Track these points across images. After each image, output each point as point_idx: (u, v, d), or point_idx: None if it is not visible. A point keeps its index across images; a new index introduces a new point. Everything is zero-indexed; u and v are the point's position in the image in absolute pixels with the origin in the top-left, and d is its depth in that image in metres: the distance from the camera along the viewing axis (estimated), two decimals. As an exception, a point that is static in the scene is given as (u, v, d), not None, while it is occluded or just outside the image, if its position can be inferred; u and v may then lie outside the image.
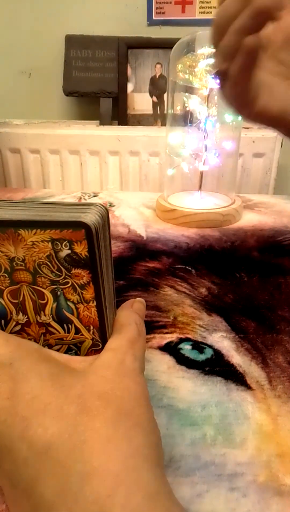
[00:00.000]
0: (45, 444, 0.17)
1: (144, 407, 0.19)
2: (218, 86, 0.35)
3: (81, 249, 0.19)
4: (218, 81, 0.35)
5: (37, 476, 0.16)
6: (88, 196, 0.76)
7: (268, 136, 1.10)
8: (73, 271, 0.20)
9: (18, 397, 0.18)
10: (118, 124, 1.22)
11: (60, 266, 0.20)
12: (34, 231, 0.19)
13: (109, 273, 0.23)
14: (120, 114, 1.21)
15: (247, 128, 1.11)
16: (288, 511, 0.21)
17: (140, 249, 0.52)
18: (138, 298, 0.27)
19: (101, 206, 0.21)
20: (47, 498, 0.16)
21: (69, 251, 0.19)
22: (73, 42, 1.19)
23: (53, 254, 0.20)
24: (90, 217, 0.19)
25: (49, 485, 0.16)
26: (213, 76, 0.35)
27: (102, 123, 1.22)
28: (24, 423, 0.17)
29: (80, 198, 0.76)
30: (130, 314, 0.24)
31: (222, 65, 0.33)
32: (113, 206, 0.70)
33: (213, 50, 0.34)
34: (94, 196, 0.77)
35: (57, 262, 0.20)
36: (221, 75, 0.34)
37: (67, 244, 0.19)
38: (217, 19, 0.32)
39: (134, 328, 0.23)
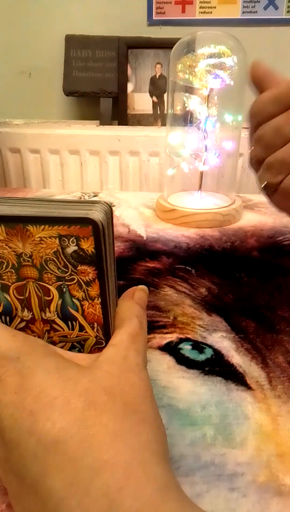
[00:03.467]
0: (54, 438, 0.17)
1: (149, 403, 0.20)
2: (266, 197, 0.35)
3: (88, 246, 0.19)
4: (265, 192, 0.34)
5: (46, 470, 0.16)
6: (88, 196, 0.76)
7: (268, 136, 1.10)
8: (79, 268, 0.20)
9: (26, 391, 0.18)
10: (118, 124, 1.22)
11: (67, 263, 0.20)
12: (42, 227, 0.19)
13: (112, 270, 0.23)
14: (120, 114, 1.21)
15: (247, 128, 1.11)
16: (288, 511, 0.21)
17: (140, 249, 0.52)
18: (140, 286, 0.26)
19: (105, 204, 0.21)
20: (57, 491, 0.16)
21: (76, 248, 0.20)
22: (73, 42, 1.19)
23: (60, 250, 0.20)
24: (97, 214, 0.19)
25: (58, 479, 0.16)
26: (262, 189, 0.34)
27: (102, 123, 1.22)
28: (32, 418, 0.17)
29: (80, 198, 0.76)
30: (131, 306, 0.24)
31: (274, 180, 0.32)
32: (113, 206, 0.70)
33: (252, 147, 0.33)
34: (94, 196, 0.77)
35: (63, 258, 0.20)
36: (271, 188, 0.33)
37: (74, 240, 0.19)
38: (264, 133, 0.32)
39: (136, 322, 0.23)
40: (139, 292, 0.25)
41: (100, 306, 0.21)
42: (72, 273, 0.20)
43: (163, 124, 1.21)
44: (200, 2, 1.18)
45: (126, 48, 1.17)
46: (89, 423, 0.17)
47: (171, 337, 0.34)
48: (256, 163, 0.34)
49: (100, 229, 0.19)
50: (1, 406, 0.18)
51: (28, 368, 0.19)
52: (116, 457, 0.16)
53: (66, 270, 0.20)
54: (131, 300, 0.24)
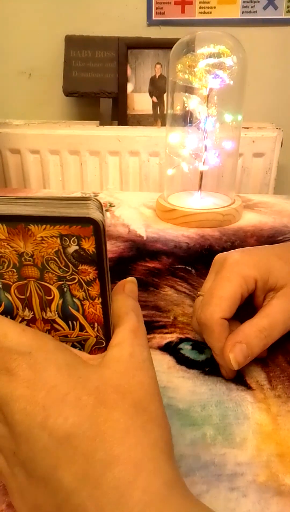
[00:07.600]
0: (66, 433, 0.17)
1: (157, 402, 0.20)
2: None
3: (89, 245, 0.19)
4: None
5: (57, 464, 0.17)
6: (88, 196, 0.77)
7: (268, 136, 1.10)
8: (80, 267, 0.20)
9: (37, 386, 0.18)
10: (118, 124, 1.22)
11: (68, 262, 0.20)
12: (43, 226, 0.19)
13: (108, 270, 0.23)
14: (120, 114, 1.21)
15: (247, 128, 1.11)
16: (288, 511, 0.21)
17: (140, 249, 0.52)
18: (129, 278, 0.26)
19: (96, 200, 0.21)
20: (67, 484, 0.17)
21: (77, 247, 0.20)
22: (73, 42, 1.19)
23: (61, 250, 0.20)
24: (97, 214, 0.19)
25: (70, 472, 0.17)
26: None
27: (102, 123, 1.22)
28: (44, 412, 0.17)
29: (80, 198, 0.76)
30: (125, 301, 0.24)
31: None
32: (113, 206, 0.70)
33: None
34: (94, 196, 0.77)
35: (65, 258, 0.20)
36: None
37: (75, 240, 0.19)
38: None
39: (133, 316, 0.23)
40: (130, 284, 0.25)
41: (101, 306, 0.21)
42: (73, 272, 0.20)
43: (163, 124, 1.21)
44: (200, 2, 1.18)
45: (126, 49, 1.17)
46: (101, 419, 0.18)
47: (171, 337, 0.34)
48: None
49: (100, 229, 0.19)
50: (12, 399, 0.18)
51: (39, 363, 0.19)
52: (127, 452, 0.17)
53: (67, 269, 0.20)
54: (123, 294, 0.24)
